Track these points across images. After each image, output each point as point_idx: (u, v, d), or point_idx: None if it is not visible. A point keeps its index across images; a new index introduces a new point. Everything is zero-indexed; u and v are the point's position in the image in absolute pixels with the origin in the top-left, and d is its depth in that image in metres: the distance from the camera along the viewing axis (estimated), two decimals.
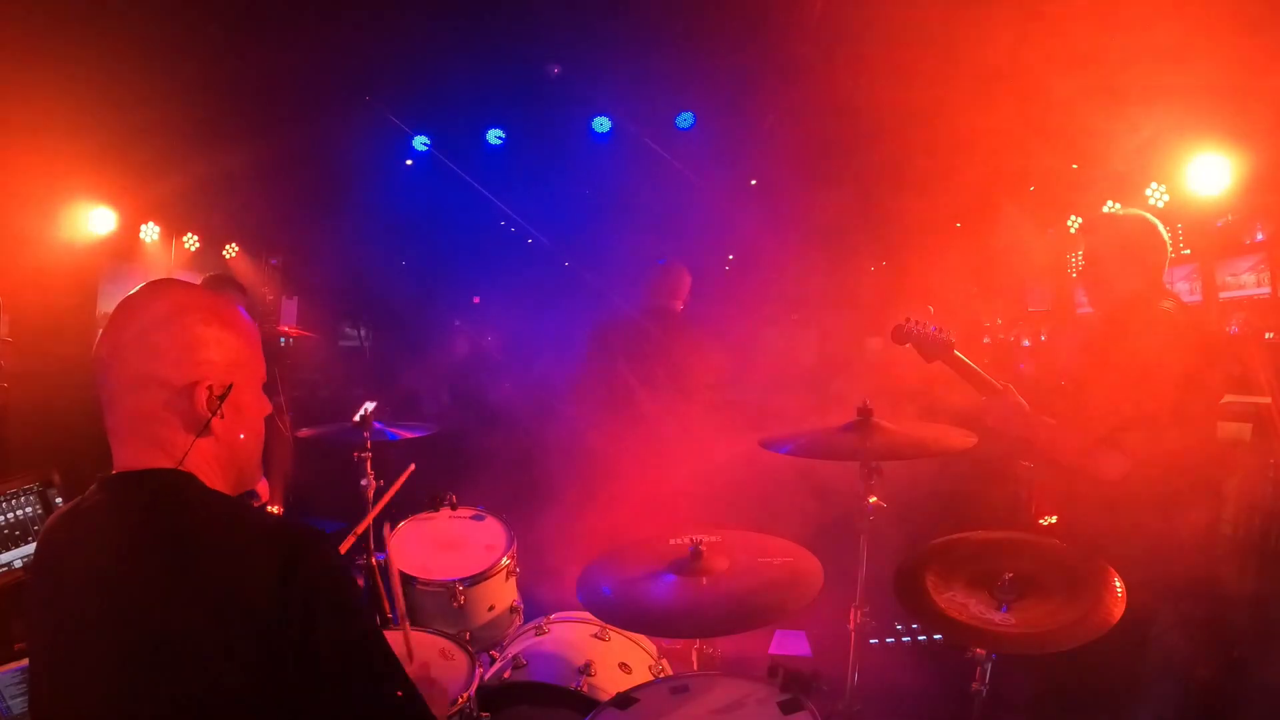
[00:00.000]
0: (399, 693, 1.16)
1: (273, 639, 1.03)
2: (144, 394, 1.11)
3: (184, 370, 1.12)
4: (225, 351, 1.15)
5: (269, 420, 1.29)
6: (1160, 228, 2.28)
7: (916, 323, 2.19)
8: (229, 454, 1.19)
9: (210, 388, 1.13)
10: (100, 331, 1.15)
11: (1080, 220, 5.42)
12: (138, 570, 1.07)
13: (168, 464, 1.12)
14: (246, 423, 1.21)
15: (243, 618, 1.03)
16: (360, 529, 2.58)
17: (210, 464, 1.16)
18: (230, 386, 1.15)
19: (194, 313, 1.14)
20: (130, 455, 1.13)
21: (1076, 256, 5.34)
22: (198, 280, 3.64)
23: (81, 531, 1.14)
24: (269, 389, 1.29)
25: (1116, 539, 1.95)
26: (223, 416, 1.15)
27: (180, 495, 1.12)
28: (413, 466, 2.75)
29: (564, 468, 3.52)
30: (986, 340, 6.99)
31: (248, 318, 1.24)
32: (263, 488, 3.24)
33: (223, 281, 3.63)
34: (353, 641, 1.11)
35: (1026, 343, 6.56)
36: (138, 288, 1.18)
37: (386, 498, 2.65)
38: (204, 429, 1.14)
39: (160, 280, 1.21)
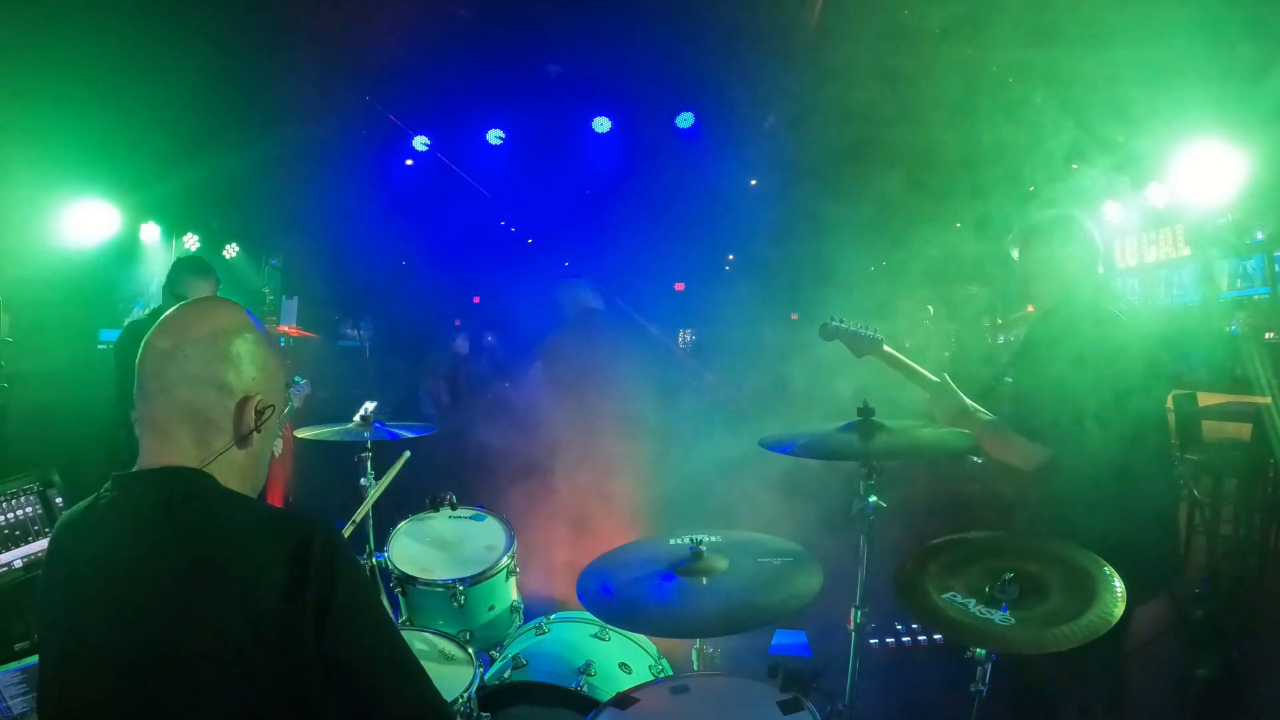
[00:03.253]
0: (416, 679, 1.18)
1: (286, 632, 1.04)
2: (202, 393, 1.17)
3: (244, 382, 1.20)
4: (270, 376, 1.25)
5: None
6: (1084, 225, 2.24)
7: (842, 321, 2.30)
8: (252, 467, 1.25)
9: (258, 403, 1.21)
10: (157, 325, 1.20)
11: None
12: (152, 568, 1.09)
13: (192, 463, 1.17)
14: (267, 447, 1.29)
15: (256, 613, 1.04)
16: (358, 515, 2.59)
17: (235, 472, 1.21)
18: (272, 408, 1.23)
19: (256, 333, 1.24)
20: (160, 447, 1.17)
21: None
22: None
23: (96, 530, 1.16)
24: None
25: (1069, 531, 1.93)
26: (259, 433, 1.22)
27: (196, 494, 1.15)
28: (407, 453, 2.75)
29: (565, 468, 3.52)
30: (988, 339, 6.99)
31: None
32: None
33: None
34: (368, 630, 1.13)
35: None
36: (203, 299, 1.29)
37: (383, 484, 2.66)
38: (245, 440, 1.20)
39: (224, 299, 1.32)
